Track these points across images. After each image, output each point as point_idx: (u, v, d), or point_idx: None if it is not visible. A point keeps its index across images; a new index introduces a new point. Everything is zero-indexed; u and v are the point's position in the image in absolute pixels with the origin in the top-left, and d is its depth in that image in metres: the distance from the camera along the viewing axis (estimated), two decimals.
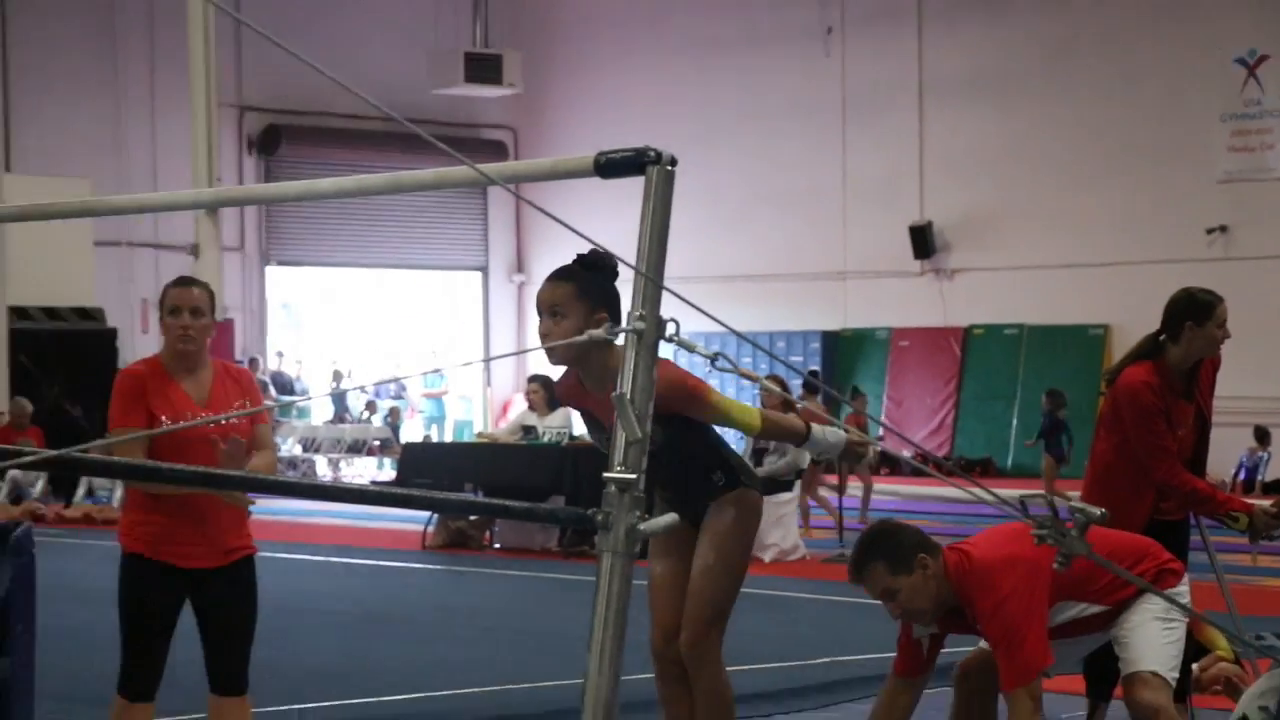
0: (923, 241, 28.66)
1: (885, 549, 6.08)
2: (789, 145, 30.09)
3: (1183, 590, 7.21)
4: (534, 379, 20.95)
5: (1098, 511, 4.30)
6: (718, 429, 6.27)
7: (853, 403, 23.05)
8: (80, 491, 23.04)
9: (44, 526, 18.16)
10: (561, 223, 3.70)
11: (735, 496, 5.96)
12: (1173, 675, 6.90)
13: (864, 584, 6.20)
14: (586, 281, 5.84)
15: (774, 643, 11.83)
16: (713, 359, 3.95)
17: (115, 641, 7.15)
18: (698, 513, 5.96)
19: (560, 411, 19.97)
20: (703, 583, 5.96)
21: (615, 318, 5.65)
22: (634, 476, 3.45)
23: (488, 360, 31.84)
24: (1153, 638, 6.91)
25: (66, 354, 26.23)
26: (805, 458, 18.09)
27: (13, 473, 21.19)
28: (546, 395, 20.02)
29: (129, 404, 6.93)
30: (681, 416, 5.92)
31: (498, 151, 33.01)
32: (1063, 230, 27.32)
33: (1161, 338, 8.14)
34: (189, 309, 6.96)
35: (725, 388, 27.31)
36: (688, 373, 6.01)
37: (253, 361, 29.86)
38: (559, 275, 5.94)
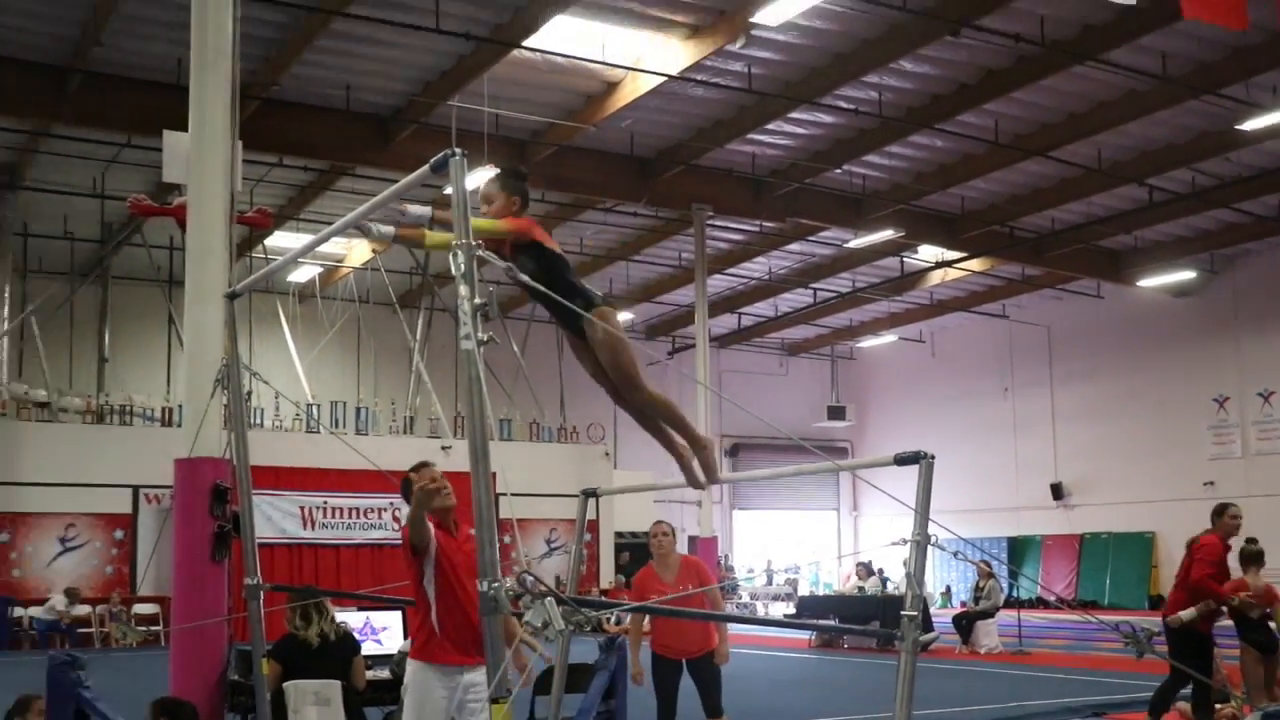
0: (1058, 490, 31.07)
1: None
2: (991, 447, 32.33)
3: None
4: (859, 564, 24.28)
5: (1155, 631, 4.61)
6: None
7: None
8: (628, 619, 24.01)
9: (626, 635, 15.18)
10: (878, 488, 4.59)
11: (597, 311, 4.86)
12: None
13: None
14: (508, 180, 5.09)
15: (986, 698, 12.94)
16: (954, 553, 4.71)
17: (651, 694, 8.07)
18: (575, 329, 4.96)
19: (873, 578, 23.47)
20: (616, 367, 4.86)
21: (525, 204, 5.02)
22: (916, 614, 4.07)
23: (840, 556, 33.47)
24: None
25: (643, 555, 28.00)
26: (1001, 599, 20.78)
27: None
28: (866, 571, 23.75)
29: (640, 589, 8.03)
30: (537, 252, 4.88)
31: (843, 453, 34.87)
32: (1126, 484, 29.23)
33: (1212, 525, 9.27)
34: (661, 534, 8.05)
35: (954, 568, 30.41)
36: (522, 222, 4.92)
37: (726, 557, 31.65)
38: (493, 178, 5.16)
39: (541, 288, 4.65)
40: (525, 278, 4.61)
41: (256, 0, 14.57)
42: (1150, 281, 27.68)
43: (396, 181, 5.03)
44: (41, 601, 21.28)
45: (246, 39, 13.26)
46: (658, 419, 5.17)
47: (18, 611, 21.15)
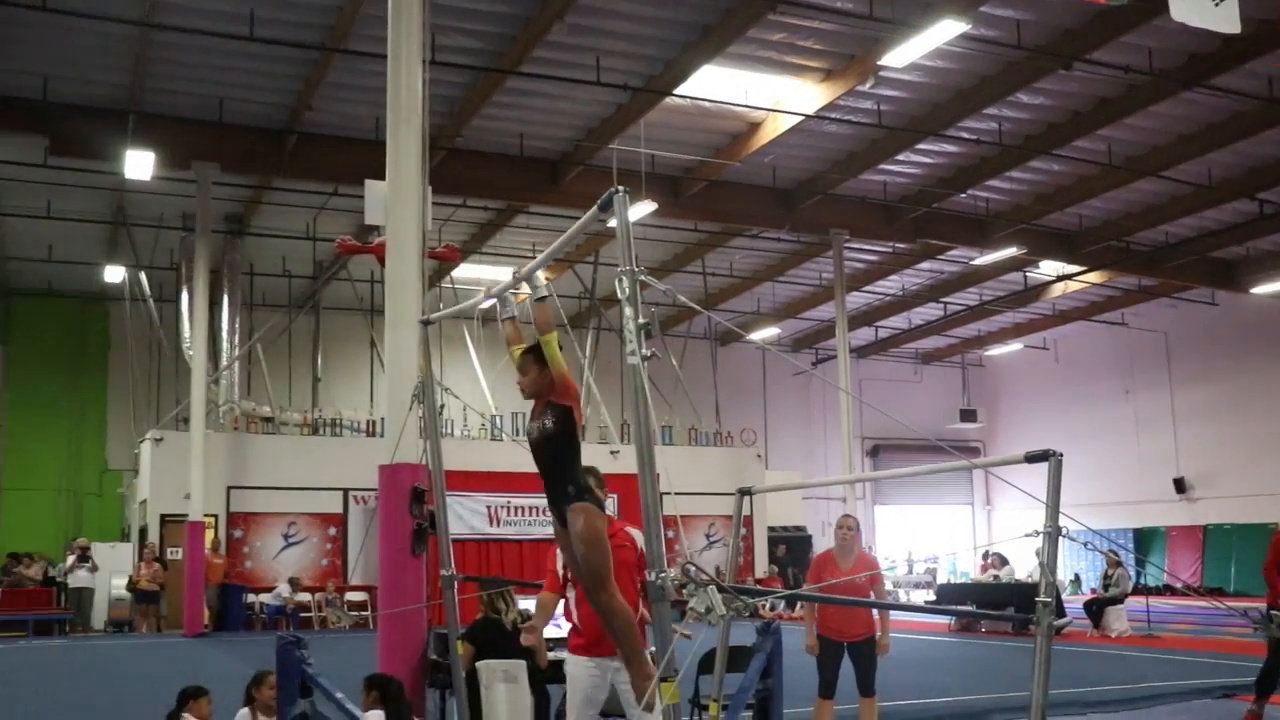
0: (1181, 485, 30.12)
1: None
2: (1114, 445, 31.07)
3: None
4: (993, 554, 22.79)
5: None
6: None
7: None
8: (781, 605, 20.44)
9: (780, 619, 14.56)
10: (1010, 484, 4.43)
11: (582, 506, 4.73)
12: None
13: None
14: (538, 354, 5.13)
15: (1118, 678, 12.30)
16: (1084, 544, 4.77)
17: (814, 671, 7.98)
18: (560, 511, 4.82)
19: (1007, 567, 22.06)
20: (588, 563, 4.64)
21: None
22: (1050, 600, 3.92)
23: (975, 548, 31.23)
24: None
25: (794, 547, 27.30)
26: (1129, 585, 19.57)
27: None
28: (999, 561, 22.38)
29: (817, 571, 7.97)
30: (565, 418, 4.92)
31: (975, 452, 33.76)
32: (1246, 478, 28.14)
33: None
34: (847, 527, 7.80)
35: (1083, 557, 30.11)
36: (575, 385, 5.09)
37: (869, 548, 27.88)
38: (528, 353, 5.28)
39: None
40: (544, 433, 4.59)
41: (443, 65, 14.90)
42: (1264, 289, 26.53)
43: (566, 217, 5.10)
44: (269, 589, 21.97)
45: (434, 98, 13.55)
46: (610, 627, 4.79)
47: (250, 598, 21.84)
